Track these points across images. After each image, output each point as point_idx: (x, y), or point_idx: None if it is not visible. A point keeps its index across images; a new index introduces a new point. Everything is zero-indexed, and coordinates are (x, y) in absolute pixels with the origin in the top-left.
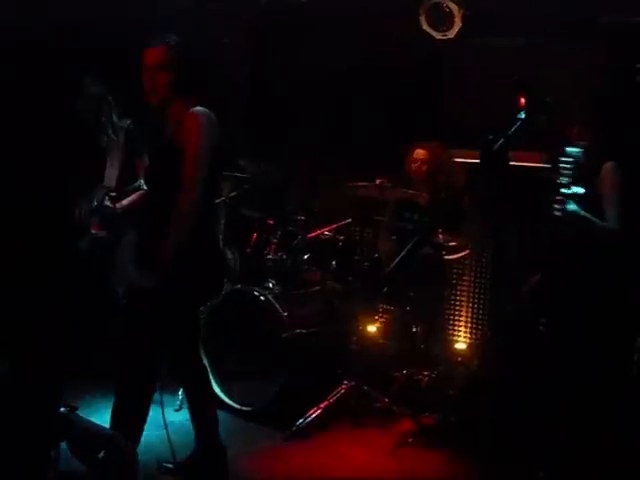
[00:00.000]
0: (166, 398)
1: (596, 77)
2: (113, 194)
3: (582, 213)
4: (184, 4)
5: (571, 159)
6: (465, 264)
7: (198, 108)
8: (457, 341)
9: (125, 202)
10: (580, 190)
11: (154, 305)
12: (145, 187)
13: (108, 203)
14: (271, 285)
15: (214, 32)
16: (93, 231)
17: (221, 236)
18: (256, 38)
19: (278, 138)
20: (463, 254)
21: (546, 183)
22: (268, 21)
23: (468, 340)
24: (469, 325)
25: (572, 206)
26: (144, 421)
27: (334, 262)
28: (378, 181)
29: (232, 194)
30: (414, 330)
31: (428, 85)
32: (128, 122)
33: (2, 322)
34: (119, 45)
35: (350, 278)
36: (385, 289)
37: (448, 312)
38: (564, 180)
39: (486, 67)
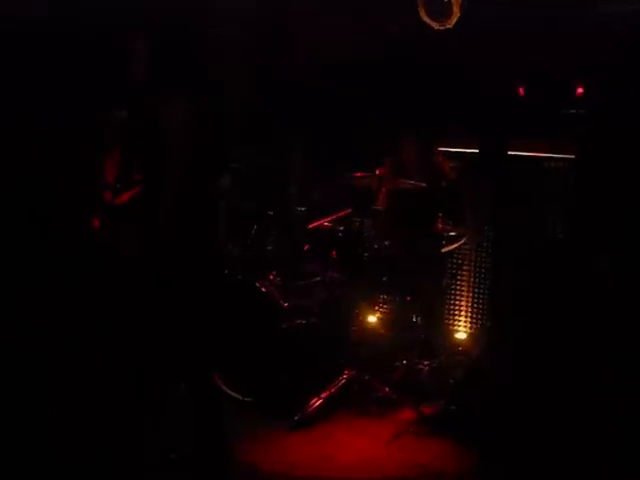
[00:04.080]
0: None
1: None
2: (113, 188)
3: None
4: None
5: None
6: (465, 254)
7: (178, 96)
8: (457, 331)
9: (125, 196)
10: None
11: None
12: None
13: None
14: (272, 276)
15: (213, 23)
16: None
17: (221, 228)
18: (254, 29)
19: (277, 130)
20: (459, 243)
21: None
22: (267, 12)
23: (468, 330)
24: (469, 315)
25: None
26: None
27: (334, 252)
28: (378, 171)
29: (231, 186)
30: (414, 320)
31: (425, 75)
32: (125, 114)
33: None
34: (118, 36)
35: (350, 268)
36: (385, 278)
37: (448, 302)
38: None
39: (484, 56)
